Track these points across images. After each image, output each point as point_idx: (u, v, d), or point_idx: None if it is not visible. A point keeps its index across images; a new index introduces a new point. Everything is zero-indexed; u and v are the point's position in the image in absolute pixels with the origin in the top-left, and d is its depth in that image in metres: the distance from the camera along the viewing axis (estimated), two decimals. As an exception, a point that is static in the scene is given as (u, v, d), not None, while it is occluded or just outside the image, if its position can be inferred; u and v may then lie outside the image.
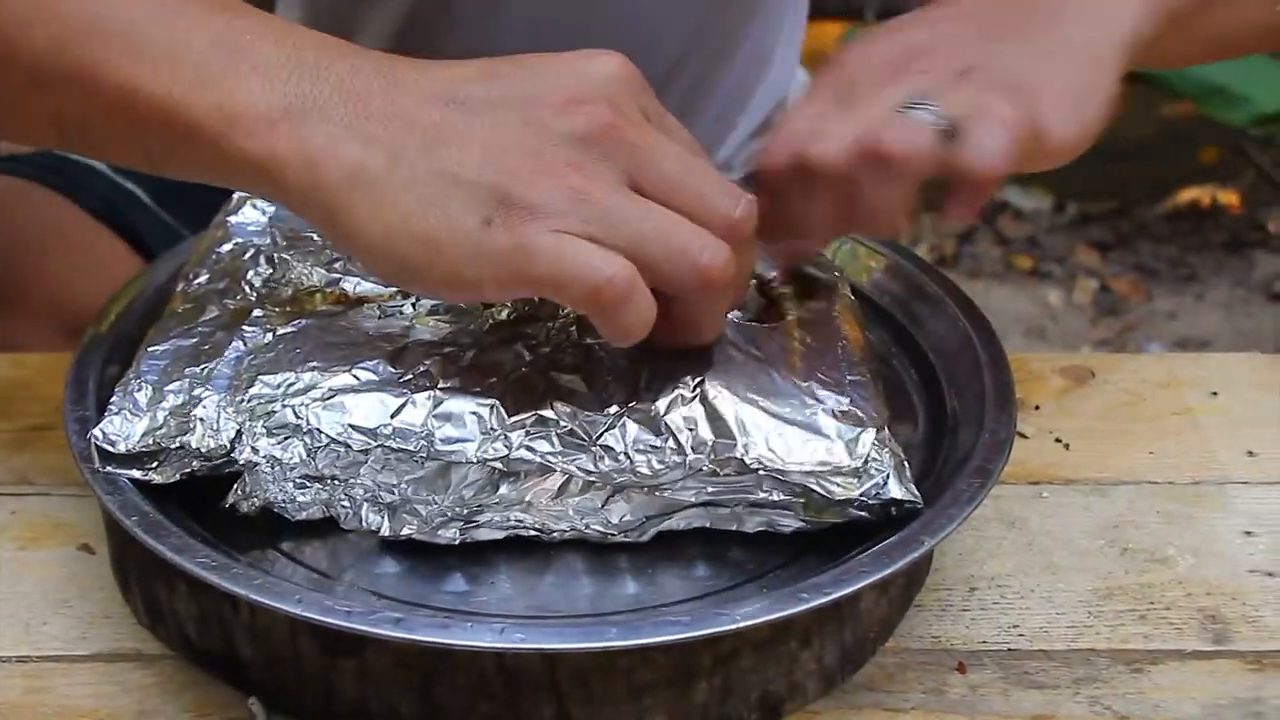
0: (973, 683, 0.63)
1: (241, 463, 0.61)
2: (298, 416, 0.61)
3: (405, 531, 0.61)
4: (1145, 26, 0.68)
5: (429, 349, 0.64)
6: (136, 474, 0.62)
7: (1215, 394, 0.80)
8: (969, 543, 0.70)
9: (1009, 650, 0.65)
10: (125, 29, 0.58)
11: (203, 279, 0.70)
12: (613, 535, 0.62)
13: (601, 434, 0.60)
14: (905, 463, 0.62)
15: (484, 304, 0.66)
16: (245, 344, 0.65)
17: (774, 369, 0.63)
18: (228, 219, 0.73)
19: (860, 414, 0.62)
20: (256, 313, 0.66)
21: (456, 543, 0.62)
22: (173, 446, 0.62)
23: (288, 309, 0.67)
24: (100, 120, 0.60)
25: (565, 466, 0.60)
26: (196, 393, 0.63)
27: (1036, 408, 0.79)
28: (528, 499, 0.61)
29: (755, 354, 0.64)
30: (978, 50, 0.66)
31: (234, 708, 0.61)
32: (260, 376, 0.62)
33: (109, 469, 0.62)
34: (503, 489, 0.61)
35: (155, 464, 0.62)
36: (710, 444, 0.61)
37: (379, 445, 0.60)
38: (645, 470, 0.61)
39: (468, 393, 0.61)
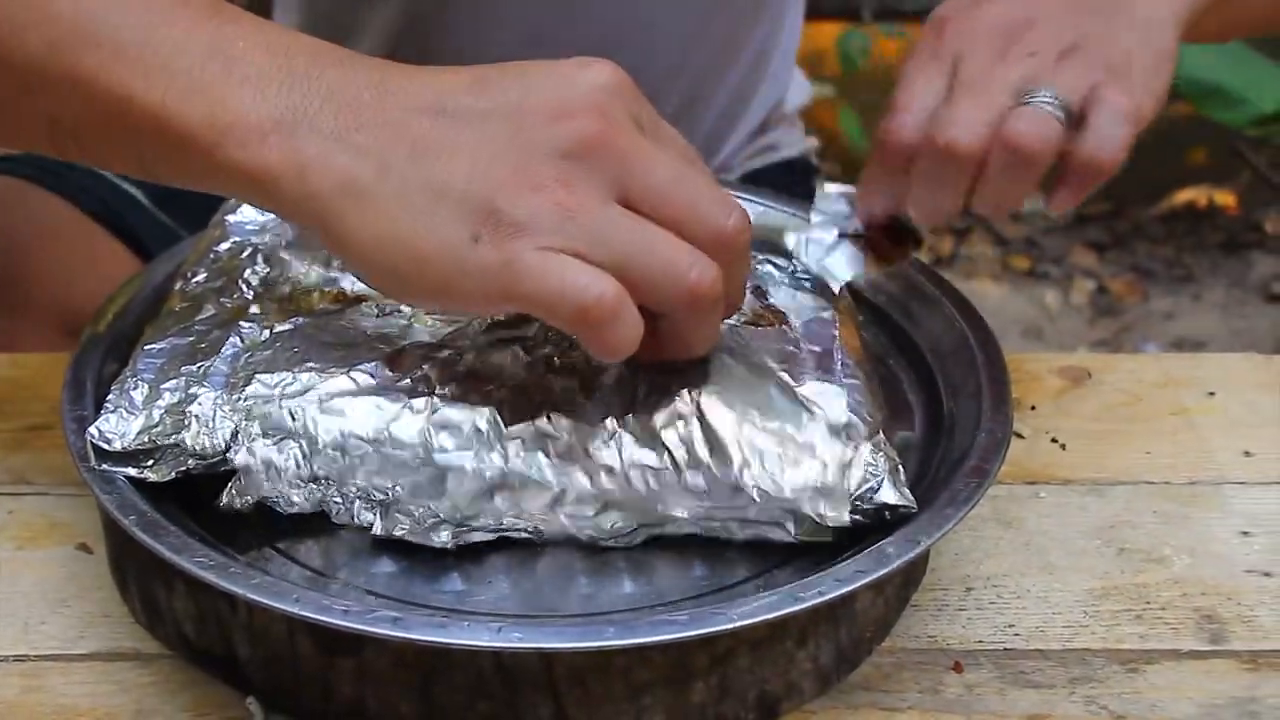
0: (969, 682, 0.63)
1: (237, 465, 0.61)
2: (294, 419, 0.61)
3: (398, 532, 0.61)
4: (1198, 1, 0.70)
5: (427, 351, 0.64)
6: (132, 472, 0.62)
7: (1212, 394, 0.80)
8: (965, 543, 0.70)
9: (1005, 650, 0.65)
10: (118, 36, 0.58)
11: (200, 278, 0.70)
12: (604, 540, 0.62)
13: (599, 450, 0.60)
14: (900, 467, 0.62)
15: None
16: (242, 340, 0.65)
17: (770, 380, 0.63)
18: (226, 218, 0.74)
19: (857, 427, 0.62)
20: (254, 309, 0.66)
21: (450, 546, 0.62)
22: (168, 444, 0.62)
23: (285, 306, 0.67)
24: (93, 127, 0.59)
25: (561, 482, 0.61)
26: (192, 390, 0.63)
27: (1033, 408, 0.79)
28: (522, 506, 0.61)
29: (753, 362, 0.64)
30: (1074, 26, 0.68)
31: (232, 707, 0.61)
32: (257, 375, 0.62)
33: (105, 467, 0.62)
34: (498, 499, 0.61)
35: (151, 462, 0.62)
36: (706, 464, 0.61)
37: (375, 451, 0.61)
38: (641, 489, 0.61)
39: (465, 400, 0.61)
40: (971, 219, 2.51)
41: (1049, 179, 0.68)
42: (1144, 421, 0.78)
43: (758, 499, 0.61)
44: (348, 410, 0.61)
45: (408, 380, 0.62)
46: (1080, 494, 0.73)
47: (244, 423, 0.61)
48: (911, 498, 0.61)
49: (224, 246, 0.72)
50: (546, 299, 0.55)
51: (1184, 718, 0.62)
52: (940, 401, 0.71)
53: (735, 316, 0.66)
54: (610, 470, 0.60)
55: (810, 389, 0.63)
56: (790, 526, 0.61)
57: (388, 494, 0.61)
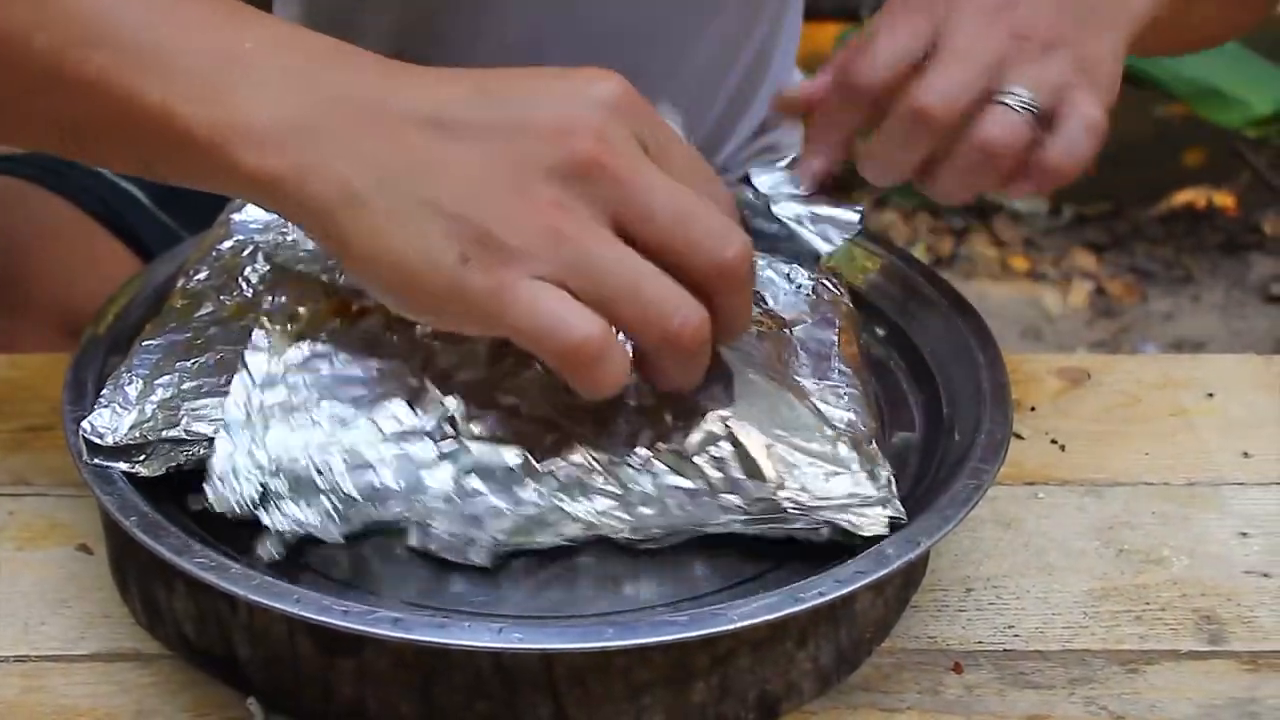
0: (968, 683, 0.63)
1: (272, 528, 0.60)
2: (321, 475, 0.60)
3: (433, 546, 0.61)
4: (1150, 14, 0.70)
5: (446, 381, 0.61)
6: (124, 466, 0.62)
7: (1211, 395, 0.80)
8: (965, 543, 0.70)
9: (1005, 650, 0.65)
10: (123, 35, 0.58)
11: (202, 275, 0.71)
12: (638, 545, 0.62)
13: (633, 480, 0.60)
14: (893, 478, 0.63)
15: None
16: (252, 379, 0.61)
17: (788, 391, 0.63)
18: (231, 216, 0.74)
19: (868, 440, 0.63)
20: (259, 337, 0.63)
21: (489, 565, 0.61)
22: (160, 439, 0.62)
23: (291, 327, 0.64)
24: (98, 128, 0.59)
25: (598, 513, 0.60)
26: (186, 386, 0.63)
27: (1032, 409, 0.79)
28: (560, 534, 0.61)
29: (768, 373, 0.64)
30: (1056, 16, 0.67)
31: (232, 707, 0.61)
32: (273, 421, 0.60)
33: (96, 461, 0.62)
34: (535, 533, 0.61)
35: (143, 457, 0.62)
36: (742, 484, 0.61)
37: (408, 499, 0.60)
38: (677, 513, 0.61)
39: (494, 438, 0.60)
40: (970, 219, 2.51)
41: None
42: (1143, 422, 0.79)
43: (794, 514, 0.61)
44: (376, 462, 0.60)
45: (433, 420, 0.60)
46: (1079, 495, 0.74)
47: (271, 480, 0.59)
48: (901, 509, 0.62)
49: (227, 245, 0.72)
50: (533, 334, 0.55)
51: (1183, 718, 0.62)
52: (940, 402, 0.71)
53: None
54: (646, 499, 0.60)
55: (824, 408, 0.63)
56: (825, 532, 0.62)
57: (426, 525, 0.60)
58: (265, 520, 0.59)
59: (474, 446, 0.60)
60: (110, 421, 0.62)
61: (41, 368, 0.79)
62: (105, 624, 0.65)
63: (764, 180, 0.71)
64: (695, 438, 0.60)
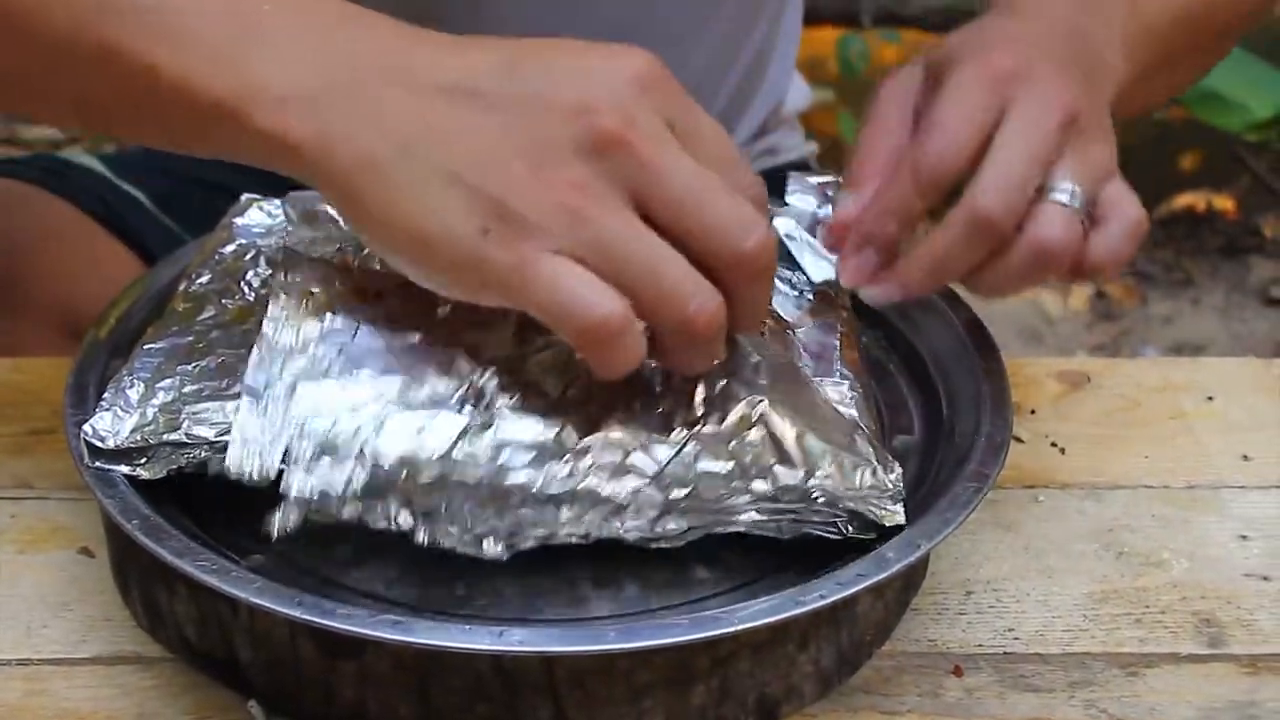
0: (968, 686, 0.63)
1: (293, 491, 0.58)
2: (354, 438, 0.58)
3: (445, 542, 0.60)
4: (1124, 80, 0.71)
5: (475, 358, 0.61)
6: (125, 469, 0.62)
7: (1211, 398, 0.80)
8: (965, 546, 0.70)
9: (1004, 654, 0.65)
10: (142, 6, 0.58)
11: (204, 279, 0.71)
12: (654, 543, 0.62)
13: (668, 461, 0.60)
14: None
15: None
16: (273, 347, 0.61)
17: (809, 384, 0.63)
18: (234, 220, 0.74)
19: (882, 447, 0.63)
20: (276, 308, 0.62)
21: (503, 558, 0.60)
22: (161, 442, 0.62)
23: (306, 304, 0.63)
24: (120, 100, 0.59)
25: (630, 494, 0.60)
26: (188, 389, 0.63)
27: (1032, 412, 0.79)
28: (585, 518, 0.60)
29: (788, 366, 0.64)
30: (1089, 97, 0.66)
31: (234, 710, 0.61)
32: (301, 383, 0.60)
33: (98, 464, 0.62)
34: (562, 511, 0.60)
35: (144, 460, 0.62)
36: (773, 471, 0.60)
37: (440, 472, 0.59)
38: (709, 497, 0.60)
39: (528, 411, 0.59)
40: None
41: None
42: (1143, 426, 0.79)
43: (822, 503, 0.61)
44: (408, 429, 0.59)
45: (466, 391, 0.60)
46: (1079, 498, 0.74)
47: (296, 441, 0.58)
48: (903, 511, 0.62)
49: (229, 249, 0.72)
50: (553, 310, 0.55)
51: (1183, 721, 0.62)
52: (940, 406, 0.71)
53: None
54: (678, 480, 0.60)
55: (840, 407, 0.64)
56: (845, 527, 0.62)
57: (444, 506, 0.59)
58: (286, 483, 0.58)
59: (508, 418, 0.59)
60: (112, 425, 0.63)
61: (43, 371, 0.79)
62: (107, 627, 0.65)
63: (794, 195, 0.72)
64: (729, 422, 0.60)
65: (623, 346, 0.55)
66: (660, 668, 0.58)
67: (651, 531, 0.61)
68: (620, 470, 0.59)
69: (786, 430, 0.61)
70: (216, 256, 0.72)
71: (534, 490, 0.59)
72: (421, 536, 0.60)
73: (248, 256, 0.71)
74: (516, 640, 0.56)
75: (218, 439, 0.61)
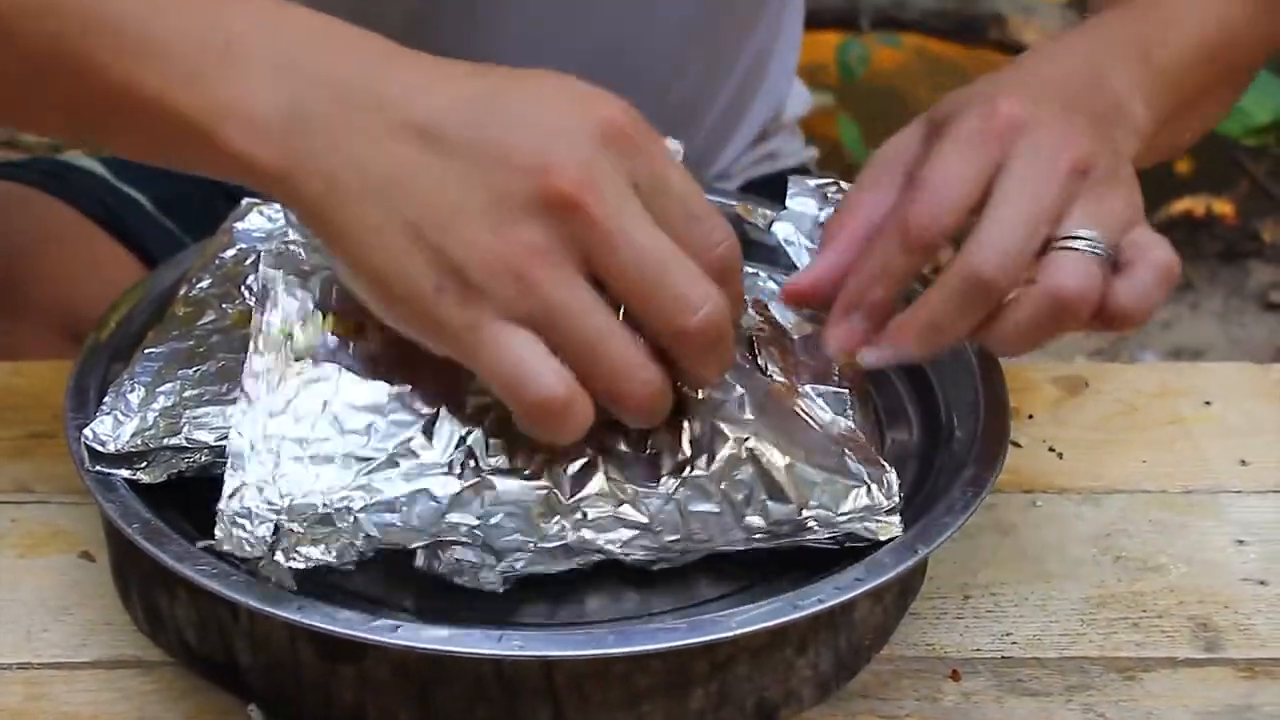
0: (966, 690, 0.64)
1: (291, 568, 0.58)
2: (341, 520, 0.58)
3: (442, 570, 0.60)
4: (1138, 149, 0.67)
5: (460, 408, 0.60)
6: (125, 473, 0.62)
7: (1208, 403, 0.80)
8: (963, 551, 0.70)
9: (1002, 658, 0.65)
10: (121, 21, 0.58)
11: (204, 284, 0.71)
12: (654, 565, 0.62)
13: (659, 509, 0.60)
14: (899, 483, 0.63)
15: None
16: (255, 407, 0.59)
17: (795, 406, 0.63)
18: (234, 225, 0.74)
19: (875, 454, 0.63)
20: (256, 361, 0.60)
21: (499, 590, 0.60)
22: (161, 447, 0.62)
23: (287, 346, 0.62)
24: (99, 115, 0.60)
25: (623, 543, 0.60)
26: (188, 394, 0.63)
27: (1030, 417, 0.79)
28: (578, 559, 0.61)
29: (777, 392, 0.64)
30: (1108, 151, 0.63)
31: (234, 714, 0.61)
32: (285, 455, 0.58)
33: (98, 468, 0.62)
34: (559, 561, 0.60)
35: (144, 464, 0.63)
36: (764, 505, 0.61)
37: (432, 539, 0.59)
38: (702, 535, 0.61)
39: (517, 473, 0.59)
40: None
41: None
42: (1141, 431, 0.79)
43: (816, 529, 0.61)
44: (396, 501, 0.58)
45: (453, 452, 0.59)
46: (1077, 503, 0.74)
47: (284, 520, 0.58)
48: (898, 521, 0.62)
49: (229, 253, 0.72)
50: (498, 380, 0.55)
51: (1180, 726, 0.62)
52: (938, 410, 0.71)
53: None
54: (673, 526, 0.60)
55: (818, 407, 0.64)
56: (843, 541, 0.62)
57: (438, 558, 0.60)
58: (279, 560, 0.58)
59: (497, 481, 0.59)
60: (112, 429, 0.63)
61: (44, 375, 0.79)
62: (107, 631, 0.65)
63: (795, 199, 0.71)
64: (719, 461, 0.60)
65: (565, 421, 0.55)
66: (659, 672, 0.59)
67: (647, 560, 0.61)
68: (612, 523, 0.60)
69: (776, 463, 0.61)
70: (217, 261, 0.72)
71: (529, 547, 0.60)
72: (420, 562, 0.60)
73: (248, 261, 0.71)
74: (516, 644, 0.56)
75: (218, 443, 0.61)
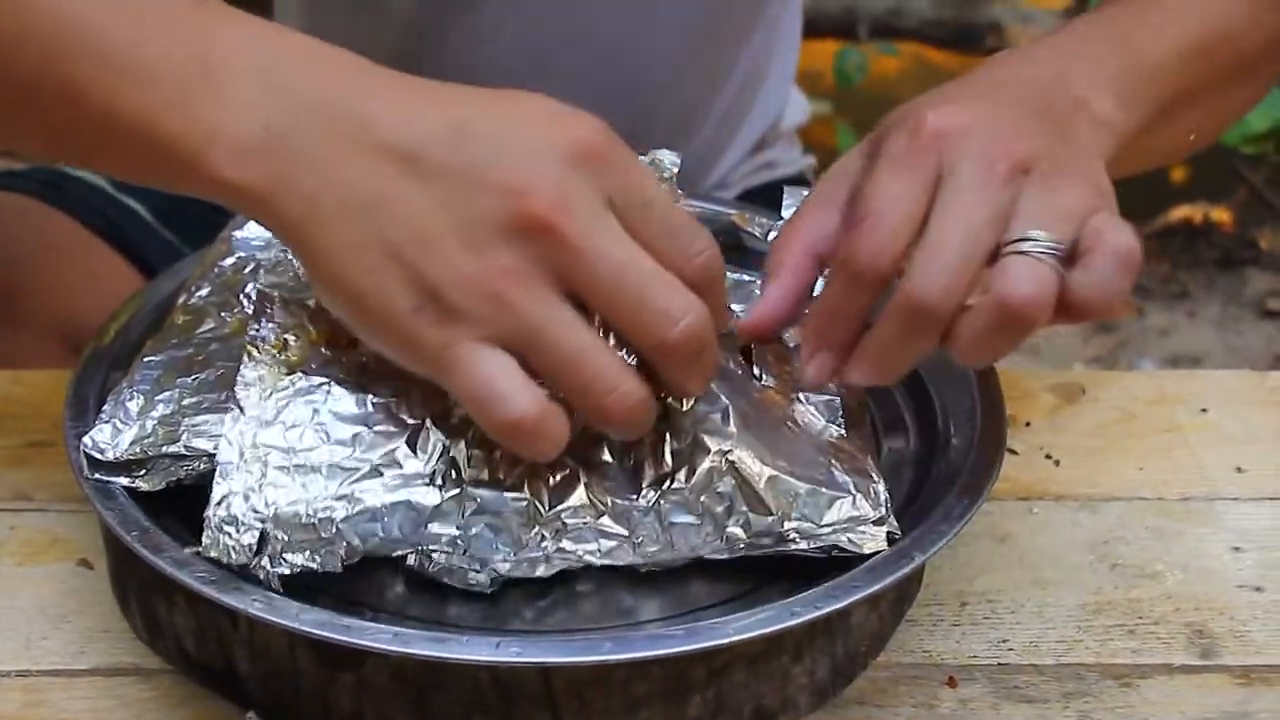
0: (963, 697, 0.64)
1: (275, 574, 0.59)
2: (325, 530, 0.59)
3: (432, 570, 0.61)
4: (1123, 139, 0.66)
5: (445, 419, 0.61)
6: (124, 481, 0.62)
7: (1205, 411, 0.81)
8: (960, 558, 0.70)
9: (999, 665, 0.65)
10: (106, 45, 0.58)
11: (203, 292, 0.71)
12: (642, 568, 0.62)
13: (640, 522, 0.61)
14: (888, 494, 0.63)
15: None
16: (246, 417, 0.60)
17: (782, 416, 0.63)
18: (233, 234, 0.74)
19: (862, 454, 0.63)
20: (249, 372, 0.62)
21: (487, 590, 0.61)
22: (160, 455, 0.62)
23: (280, 357, 0.63)
24: (88, 138, 0.60)
25: (605, 560, 0.61)
26: (187, 402, 0.63)
27: (1027, 424, 0.79)
28: (559, 566, 0.61)
29: (764, 401, 0.64)
30: (1058, 148, 0.61)
31: (232, 721, 0.62)
32: (271, 465, 0.59)
33: (97, 476, 0.62)
34: (539, 567, 0.61)
35: (143, 471, 0.63)
36: (746, 517, 0.61)
37: (415, 548, 0.60)
38: (683, 547, 0.61)
39: (498, 484, 0.60)
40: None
41: None
42: (1137, 438, 0.79)
43: (798, 540, 0.61)
44: (379, 511, 0.59)
45: (436, 463, 0.60)
46: (1073, 510, 0.74)
47: (269, 528, 0.59)
48: (896, 524, 0.62)
49: (228, 262, 0.72)
50: (472, 401, 0.56)
51: (1176, 732, 0.62)
52: (934, 417, 0.71)
53: (727, 337, 0.66)
54: (652, 537, 0.61)
55: (812, 414, 0.64)
56: (829, 552, 0.62)
57: (428, 559, 0.61)
58: (264, 565, 0.58)
59: (479, 493, 0.60)
60: (111, 437, 0.63)
61: (43, 383, 0.79)
62: (106, 639, 0.65)
63: (790, 209, 0.72)
64: (699, 474, 0.61)
65: (538, 439, 0.56)
66: (656, 679, 0.59)
67: (635, 565, 0.62)
68: (592, 534, 0.60)
69: (757, 475, 0.61)
70: (216, 270, 0.72)
71: (510, 556, 0.60)
72: (411, 560, 0.61)
73: (247, 270, 0.71)
74: (514, 651, 0.56)
75: (216, 451, 0.62)
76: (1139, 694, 0.64)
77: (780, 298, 0.63)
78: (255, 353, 0.62)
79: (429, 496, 0.60)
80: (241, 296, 0.70)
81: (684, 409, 0.61)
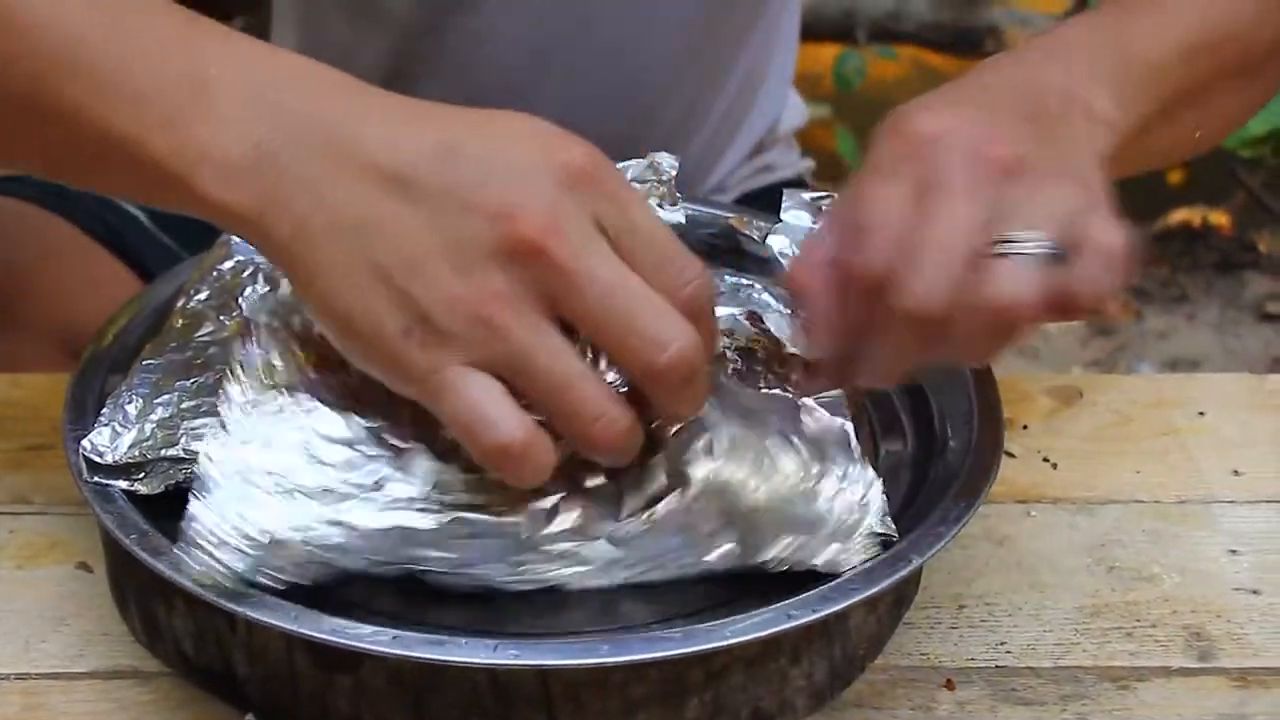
0: (961, 699, 0.64)
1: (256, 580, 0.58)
2: (324, 553, 0.59)
3: (429, 580, 0.61)
4: (1119, 137, 0.66)
5: (433, 441, 0.60)
6: (123, 484, 0.63)
7: (1202, 414, 0.81)
8: (957, 561, 0.70)
9: (997, 667, 0.65)
10: (96, 63, 0.58)
11: (202, 295, 0.71)
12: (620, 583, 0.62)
13: (626, 545, 0.60)
14: (885, 496, 0.63)
15: None
16: (231, 437, 0.59)
17: (773, 433, 0.62)
18: (231, 237, 0.74)
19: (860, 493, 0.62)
20: (234, 391, 0.61)
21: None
22: (159, 458, 0.63)
23: (265, 380, 0.61)
24: (81, 157, 0.60)
25: (596, 582, 0.61)
26: (186, 405, 0.64)
27: (1025, 427, 0.79)
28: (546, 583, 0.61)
29: (752, 413, 0.63)
30: (1047, 148, 0.61)
31: (230, 724, 0.62)
32: (256, 493, 0.58)
33: (96, 479, 0.63)
34: (529, 588, 0.61)
35: (142, 475, 0.63)
36: (729, 543, 0.61)
37: (407, 566, 0.60)
38: (673, 568, 0.61)
39: (488, 509, 0.59)
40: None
41: None
42: (1135, 441, 0.79)
43: (783, 567, 0.61)
44: (369, 536, 0.59)
45: (425, 488, 0.59)
46: (1071, 513, 0.74)
47: (258, 553, 0.58)
48: (892, 527, 0.62)
49: (227, 265, 0.72)
50: (459, 426, 0.56)
51: (1173, 734, 0.62)
52: (932, 421, 0.71)
53: (726, 340, 0.66)
54: (639, 560, 0.61)
55: (814, 448, 0.64)
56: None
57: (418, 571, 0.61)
58: (247, 577, 0.58)
59: (469, 517, 0.59)
60: (110, 440, 0.63)
61: (42, 387, 0.79)
62: (104, 642, 0.65)
63: (790, 212, 0.72)
64: (686, 500, 0.60)
65: (524, 465, 0.56)
66: (654, 681, 0.59)
67: (626, 581, 0.62)
68: (579, 559, 0.60)
69: (744, 504, 0.61)
70: (214, 273, 0.72)
71: (501, 575, 0.60)
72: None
73: (245, 273, 0.71)
74: (511, 654, 0.56)
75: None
76: (1136, 696, 0.64)
77: (828, 315, 0.61)
78: (240, 371, 0.61)
79: (418, 520, 0.59)
80: (240, 300, 0.70)
81: (671, 434, 0.61)
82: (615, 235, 0.56)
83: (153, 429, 0.63)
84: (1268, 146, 2.29)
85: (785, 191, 0.74)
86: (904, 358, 0.60)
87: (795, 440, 0.63)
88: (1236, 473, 0.77)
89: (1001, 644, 0.66)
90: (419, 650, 0.56)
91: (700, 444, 0.61)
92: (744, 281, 0.73)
